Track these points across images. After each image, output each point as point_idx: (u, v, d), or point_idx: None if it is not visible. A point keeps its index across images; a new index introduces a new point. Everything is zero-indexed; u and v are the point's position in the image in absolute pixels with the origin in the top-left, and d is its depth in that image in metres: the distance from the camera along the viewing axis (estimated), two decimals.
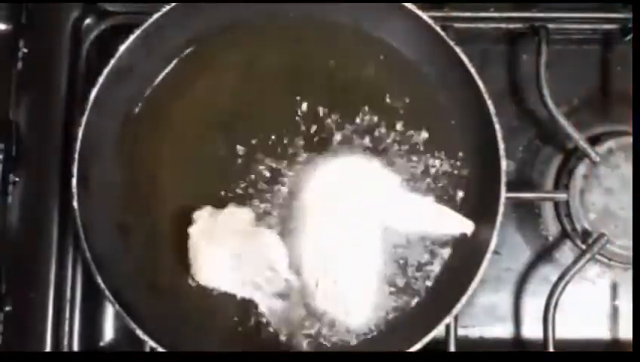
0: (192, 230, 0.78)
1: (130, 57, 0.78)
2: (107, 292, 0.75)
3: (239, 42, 0.85)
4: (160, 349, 0.74)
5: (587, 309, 0.87)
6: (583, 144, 0.82)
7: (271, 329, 0.80)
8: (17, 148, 0.85)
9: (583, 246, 0.83)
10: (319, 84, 0.84)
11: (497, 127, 0.76)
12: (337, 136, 0.83)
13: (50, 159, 0.85)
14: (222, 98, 0.85)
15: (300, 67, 0.84)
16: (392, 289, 0.80)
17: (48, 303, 0.82)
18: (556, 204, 0.88)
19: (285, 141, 0.83)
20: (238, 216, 0.80)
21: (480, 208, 0.80)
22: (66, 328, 0.83)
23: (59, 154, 0.85)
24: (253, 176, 0.82)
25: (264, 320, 0.80)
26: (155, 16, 0.78)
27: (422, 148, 0.82)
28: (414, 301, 0.80)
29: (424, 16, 0.78)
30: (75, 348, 0.84)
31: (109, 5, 0.88)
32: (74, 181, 0.76)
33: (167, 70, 0.84)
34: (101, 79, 0.77)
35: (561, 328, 0.81)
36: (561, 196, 0.84)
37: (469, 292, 0.74)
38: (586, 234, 0.83)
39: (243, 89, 0.85)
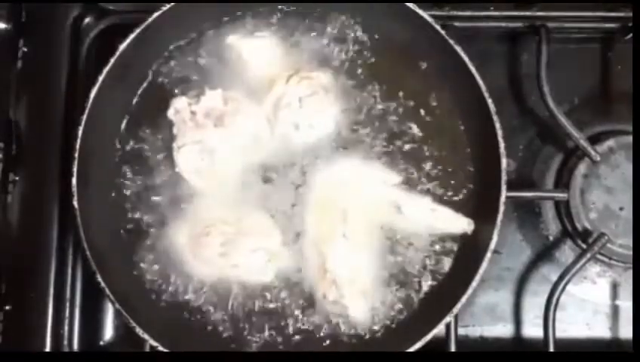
0: None
1: (129, 56, 0.78)
2: (107, 292, 0.74)
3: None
4: (160, 348, 0.74)
5: (587, 309, 0.87)
6: (584, 143, 0.82)
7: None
8: (17, 148, 0.85)
9: (584, 246, 0.82)
10: None
11: (498, 125, 0.76)
12: (337, 137, 0.82)
13: (50, 159, 0.85)
14: None
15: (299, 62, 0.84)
16: (393, 288, 0.80)
17: (48, 303, 0.83)
18: (557, 203, 0.88)
19: None
20: None
21: (480, 207, 0.80)
22: (66, 327, 0.84)
23: (59, 154, 0.85)
24: None
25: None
26: (155, 15, 0.78)
27: (422, 148, 0.82)
28: (414, 300, 0.80)
29: (425, 15, 0.78)
30: (75, 347, 0.84)
31: (109, 5, 0.88)
32: (74, 181, 0.76)
33: (166, 68, 0.84)
34: (101, 78, 0.77)
35: (562, 327, 0.81)
36: (562, 195, 0.84)
37: (470, 291, 0.74)
38: (586, 234, 0.83)
39: None
